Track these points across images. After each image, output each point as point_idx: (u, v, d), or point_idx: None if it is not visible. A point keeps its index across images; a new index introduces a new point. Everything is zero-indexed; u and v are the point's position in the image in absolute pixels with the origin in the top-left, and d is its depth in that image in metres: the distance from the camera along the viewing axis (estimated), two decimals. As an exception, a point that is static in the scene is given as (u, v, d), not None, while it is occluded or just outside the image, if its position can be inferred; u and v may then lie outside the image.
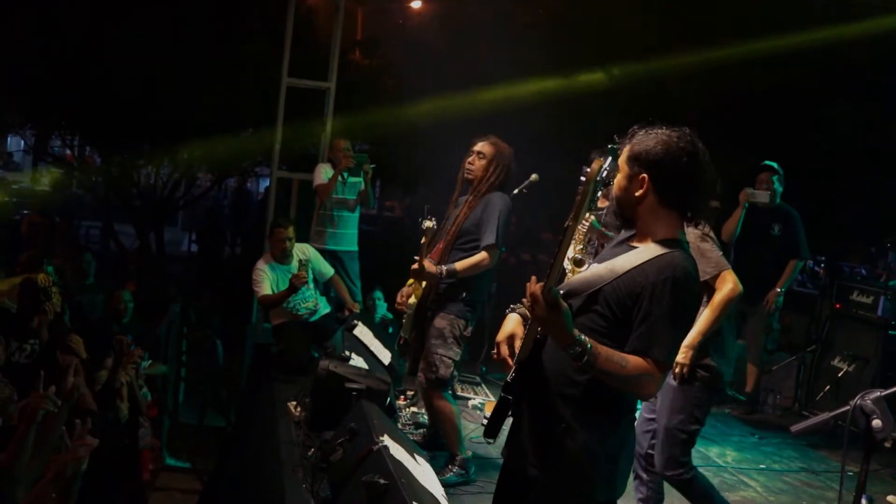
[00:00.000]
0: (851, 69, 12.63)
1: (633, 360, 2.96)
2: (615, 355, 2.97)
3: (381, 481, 3.68)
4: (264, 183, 20.46)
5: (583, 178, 2.83)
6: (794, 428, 2.91)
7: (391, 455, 3.97)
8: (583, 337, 2.93)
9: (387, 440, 4.11)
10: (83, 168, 17.02)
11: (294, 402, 5.98)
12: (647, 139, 3.17)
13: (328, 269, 7.95)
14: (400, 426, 5.99)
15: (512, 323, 3.39)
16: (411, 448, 4.55)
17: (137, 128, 13.39)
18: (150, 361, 8.08)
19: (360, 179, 8.69)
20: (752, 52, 10.85)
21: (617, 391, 3.07)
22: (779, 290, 7.78)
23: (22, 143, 22.85)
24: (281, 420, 5.92)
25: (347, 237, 8.84)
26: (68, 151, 17.79)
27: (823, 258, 14.09)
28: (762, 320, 7.95)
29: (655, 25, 12.41)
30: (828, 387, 7.88)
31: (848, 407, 2.66)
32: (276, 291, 7.51)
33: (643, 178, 3.13)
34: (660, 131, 3.19)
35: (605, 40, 12.45)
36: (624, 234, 3.28)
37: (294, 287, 7.35)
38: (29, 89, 12.94)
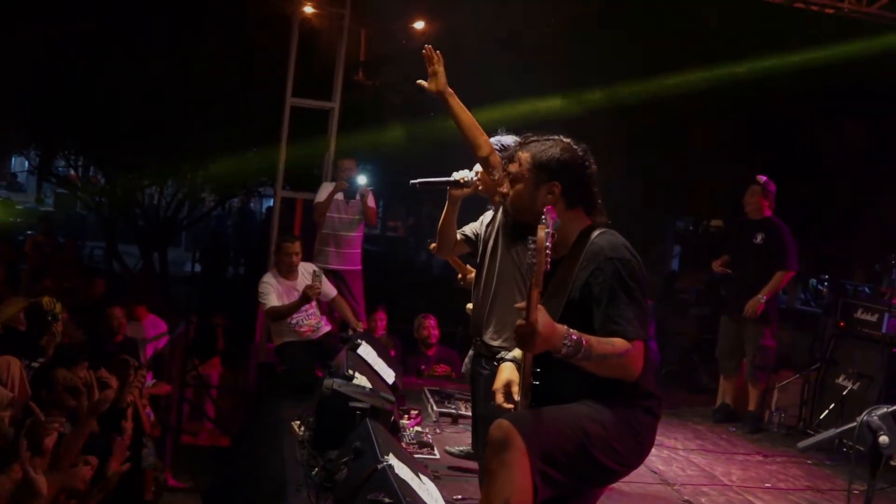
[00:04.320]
0: (855, 87, 12.66)
1: (616, 339, 3.07)
2: (601, 339, 3.06)
3: (386, 500, 3.67)
4: (268, 203, 20.51)
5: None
6: (802, 444, 2.90)
7: (396, 474, 3.96)
8: (568, 332, 2.98)
9: (391, 459, 4.09)
10: (87, 188, 17.09)
11: (298, 422, 5.97)
12: (549, 147, 3.34)
13: (330, 289, 7.96)
14: (404, 445, 5.97)
15: (507, 371, 3.48)
16: (416, 467, 4.53)
17: (142, 148, 13.43)
18: (154, 381, 8.08)
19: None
20: (756, 70, 10.88)
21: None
22: (760, 297, 7.79)
23: (26, 163, 22.99)
24: (285, 439, 5.91)
25: (350, 256, 8.86)
26: (72, 172, 17.87)
27: (827, 277, 14.11)
28: (752, 338, 7.96)
29: (657, 45, 12.46)
30: (832, 405, 7.85)
31: (854, 423, 2.64)
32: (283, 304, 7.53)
33: (554, 185, 3.29)
34: (553, 139, 3.37)
35: (607, 60, 12.49)
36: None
37: (307, 297, 7.37)
38: (33, 110, 13.00)
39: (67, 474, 5.24)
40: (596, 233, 3.29)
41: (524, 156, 3.35)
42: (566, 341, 2.97)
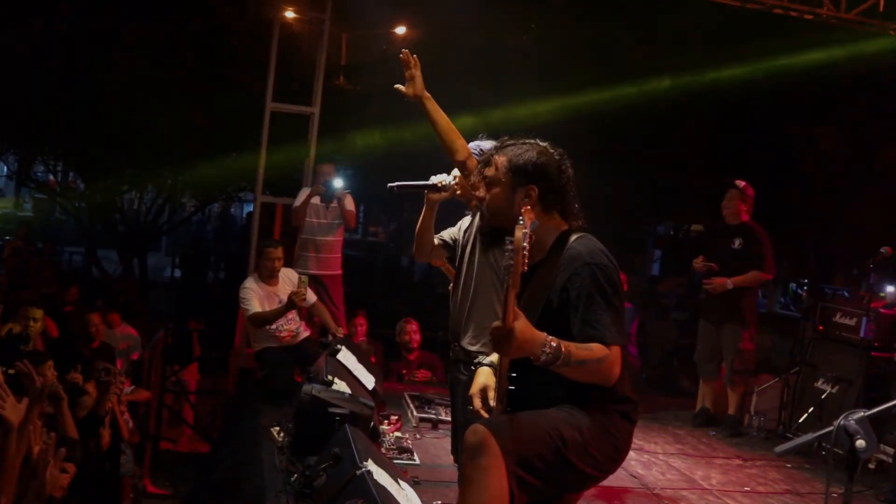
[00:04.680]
0: (834, 93, 12.74)
1: (594, 344, 3.08)
2: (579, 345, 3.07)
3: (365, 506, 3.67)
4: (248, 208, 20.47)
5: (509, 248, 2.86)
6: (779, 448, 2.90)
7: (374, 480, 3.96)
8: (547, 339, 2.98)
9: (370, 465, 4.09)
10: (66, 193, 17.00)
11: (277, 428, 5.95)
12: (526, 151, 3.35)
13: (310, 295, 7.93)
14: (384, 451, 5.95)
15: (484, 376, 3.49)
16: (395, 473, 4.53)
17: (121, 153, 13.37)
18: (132, 387, 8.03)
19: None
20: (736, 76, 10.93)
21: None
22: (728, 282, 7.81)
23: (5, 168, 22.81)
24: (264, 445, 5.88)
25: (331, 261, 8.84)
26: (51, 177, 17.77)
27: (807, 281, 14.18)
28: (730, 341, 7.98)
29: (641, 49, 12.50)
30: (811, 409, 7.87)
31: (832, 427, 2.65)
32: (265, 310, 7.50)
33: (531, 189, 3.29)
34: (530, 142, 3.38)
35: (590, 65, 12.52)
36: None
37: (292, 304, 7.35)
38: (12, 115, 12.92)
39: (44, 481, 5.20)
40: (573, 237, 3.29)
41: (500, 159, 3.35)
42: (545, 349, 2.97)
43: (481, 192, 3.39)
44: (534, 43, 12.81)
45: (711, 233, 8.12)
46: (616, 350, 3.11)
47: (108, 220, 16.28)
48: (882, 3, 9.84)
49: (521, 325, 2.93)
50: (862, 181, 13.20)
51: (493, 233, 3.31)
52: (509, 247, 2.86)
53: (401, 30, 13.52)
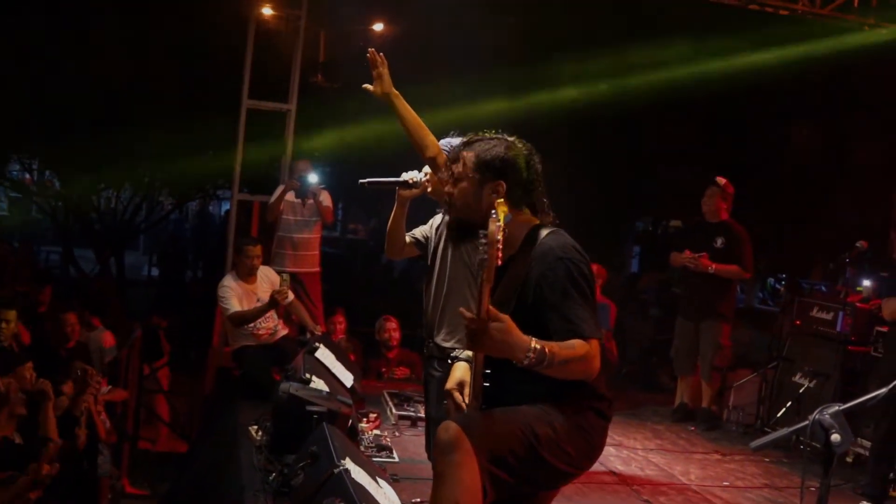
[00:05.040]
0: (811, 88, 12.80)
1: (575, 341, 3.06)
2: (561, 343, 3.05)
3: (342, 505, 3.65)
4: (226, 206, 20.40)
5: (483, 241, 2.85)
6: (754, 444, 2.90)
7: (352, 478, 3.94)
8: (531, 343, 2.97)
9: (348, 463, 4.07)
10: (42, 192, 16.87)
11: (255, 426, 5.93)
12: (494, 146, 3.33)
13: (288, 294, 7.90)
14: (363, 449, 5.94)
15: (460, 370, 3.48)
16: (373, 471, 4.51)
17: (97, 151, 13.28)
18: (109, 387, 7.97)
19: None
20: (712, 71, 10.95)
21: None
22: (711, 267, 7.82)
23: (-20, 167, 22.57)
24: (242, 444, 5.85)
25: (308, 259, 8.82)
26: (27, 175, 17.62)
27: (784, 276, 14.24)
28: (710, 337, 8.01)
29: (616, 46, 12.51)
30: (789, 403, 7.91)
31: (807, 422, 2.65)
32: (244, 308, 7.47)
33: (499, 184, 3.28)
34: (497, 137, 3.37)
35: (568, 60, 12.53)
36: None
37: (274, 302, 7.33)
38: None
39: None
40: (544, 232, 3.28)
41: (468, 155, 3.33)
42: (529, 353, 2.95)
43: (449, 188, 3.36)
44: (511, 39, 12.80)
45: (692, 230, 8.12)
46: (595, 344, 3.10)
47: (84, 219, 16.17)
48: (857, -1, 9.91)
49: (505, 327, 2.93)
50: (837, 176, 13.28)
51: (462, 228, 3.29)
52: (483, 240, 2.85)
53: (378, 26, 13.49)
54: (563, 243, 3.23)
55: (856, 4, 9.89)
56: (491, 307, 2.92)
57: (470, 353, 3.45)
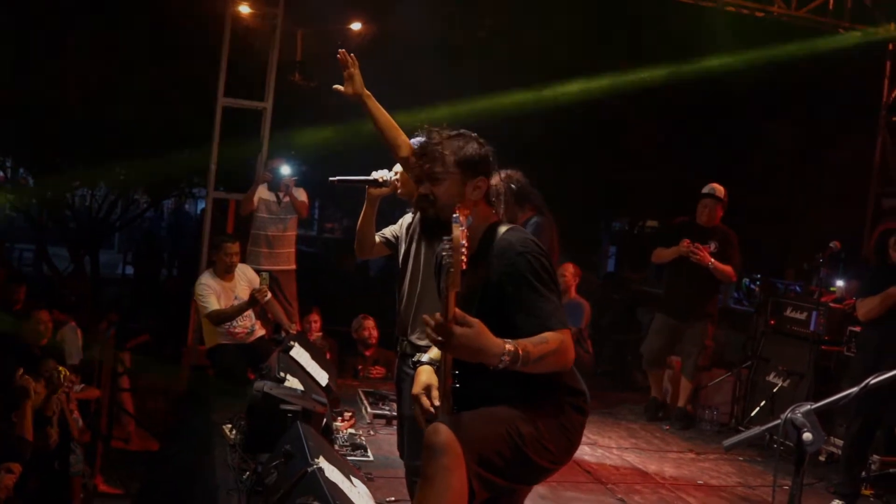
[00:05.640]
0: (786, 90, 12.87)
1: (547, 334, 3.06)
2: (534, 340, 3.03)
3: (315, 503, 3.64)
4: (202, 204, 20.30)
5: (447, 247, 2.85)
6: (727, 442, 2.91)
7: (326, 477, 3.92)
8: (504, 346, 2.95)
9: (322, 462, 4.06)
10: (16, 190, 16.71)
11: (230, 425, 5.90)
12: (467, 143, 3.32)
13: None
14: (337, 448, 5.92)
15: (426, 374, 3.46)
16: (347, 470, 4.50)
17: (72, 149, 13.19)
18: (82, 386, 7.91)
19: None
20: (688, 72, 10.99)
21: (560, 377, 3.23)
22: (711, 261, 7.83)
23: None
24: (216, 443, 5.83)
25: (284, 256, 8.79)
26: (0, 173, 17.47)
27: (759, 276, 14.31)
28: (696, 336, 8.04)
29: (592, 46, 12.55)
30: (763, 402, 7.95)
31: (779, 421, 2.66)
32: (222, 307, 7.44)
33: (480, 180, 3.29)
34: (465, 133, 3.36)
35: (542, 61, 12.55)
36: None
37: (255, 300, 7.32)
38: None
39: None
40: (502, 229, 3.27)
41: (445, 153, 3.29)
42: (503, 356, 2.94)
43: (426, 188, 3.32)
44: (488, 38, 12.82)
45: (681, 230, 8.04)
46: (567, 334, 3.10)
47: (58, 217, 16.05)
48: (831, 1, 9.99)
49: (474, 332, 2.91)
50: (812, 176, 13.37)
51: (440, 225, 3.25)
52: (447, 246, 2.84)
53: (356, 26, 13.46)
54: (522, 238, 3.23)
55: (830, 7, 9.98)
56: (458, 311, 2.91)
57: (433, 354, 3.46)
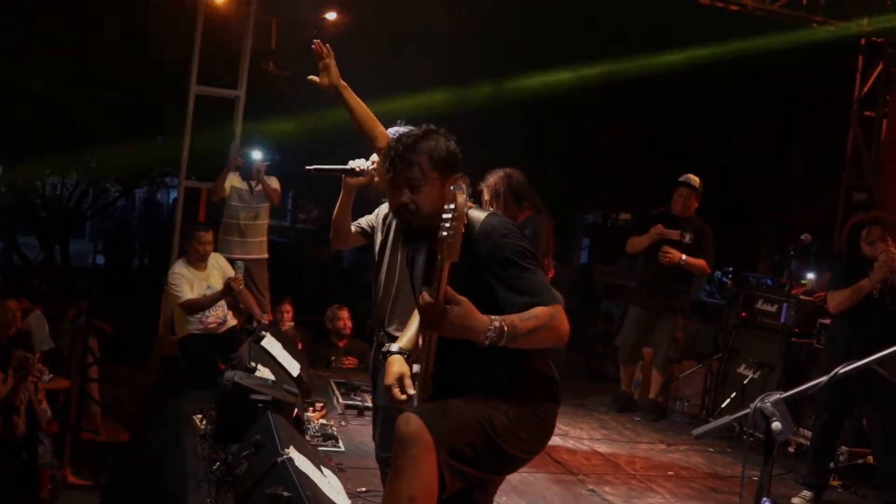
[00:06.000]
0: (759, 84, 12.92)
1: (535, 310, 3.03)
2: (521, 315, 3.01)
3: (285, 493, 3.62)
4: (175, 194, 20.18)
5: (449, 216, 2.83)
6: (696, 431, 2.91)
7: (296, 467, 3.90)
8: (490, 321, 2.94)
9: (292, 452, 4.03)
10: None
11: (200, 415, 5.86)
12: (437, 141, 3.26)
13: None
14: (308, 438, 5.90)
15: (397, 364, 3.45)
16: (318, 460, 4.48)
17: (42, 136, 13.05)
18: (50, 376, 7.83)
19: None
20: (659, 65, 11.02)
21: (534, 364, 3.23)
22: (683, 258, 7.86)
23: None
24: (186, 433, 5.79)
25: (255, 245, 8.76)
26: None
27: (731, 269, 14.39)
28: (666, 329, 8.07)
29: (564, 37, 12.55)
30: (734, 394, 8.00)
31: (748, 410, 2.66)
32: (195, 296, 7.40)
33: (458, 176, 3.25)
34: (430, 129, 3.30)
35: (520, 51, 12.55)
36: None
37: (230, 289, 7.28)
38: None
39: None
40: (480, 214, 3.23)
41: (420, 158, 3.20)
42: (490, 332, 2.92)
43: (406, 197, 3.21)
44: (463, 30, 12.79)
45: (656, 221, 8.07)
46: (559, 308, 3.08)
47: (28, 206, 15.90)
48: (805, -4, 10.04)
49: (464, 310, 2.90)
50: (784, 170, 13.45)
51: (426, 232, 3.20)
52: (448, 215, 2.82)
53: (332, 15, 13.39)
54: (503, 221, 3.22)
55: (804, 2, 10.02)
56: (450, 289, 2.90)
57: (403, 344, 3.45)
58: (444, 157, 3.23)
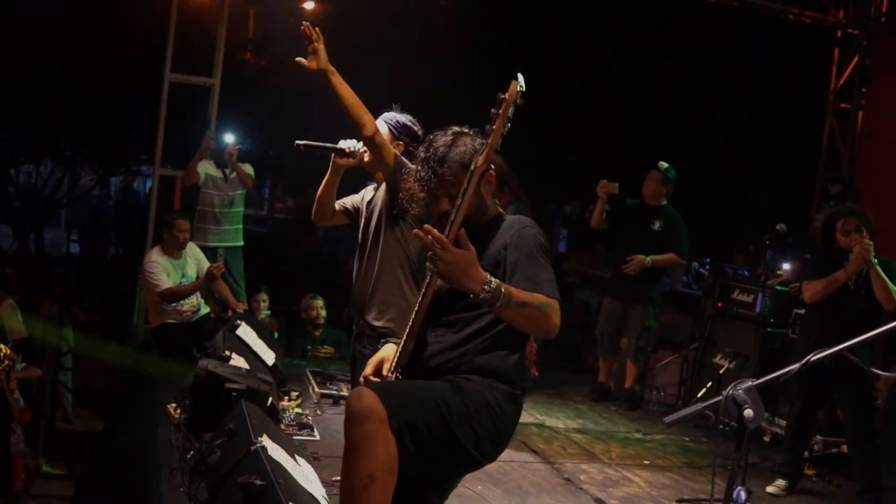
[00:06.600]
0: (732, 74, 12.96)
1: (536, 294, 3.08)
2: (521, 289, 3.06)
3: (258, 482, 3.59)
4: (151, 183, 20.06)
5: (503, 98, 2.90)
6: (668, 418, 2.91)
7: (269, 456, 3.87)
8: (489, 278, 2.98)
9: (265, 441, 4.00)
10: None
11: (174, 404, 5.83)
12: (462, 144, 3.31)
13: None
14: (283, 427, 5.87)
15: (385, 350, 3.50)
16: (292, 449, 4.45)
17: (16, 124, 12.94)
18: (23, 364, 7.77)
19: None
20: (635, 52, 11.04)
21: (507, 362, 3.26)
22: (648, 260, 7.92)
23: None
24: (161, 422, 5.76)
25: (231, 233, 8.72)
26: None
27: (708, 260, 14.44)
28: (636, 318, 8.11)
29: (539, 25, 12.55)
30: (710, 383, 8.03)
31: (721, 397, 2.66)
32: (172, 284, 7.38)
33: (490, 174, 3.31)
34: (457, 135, 3.36)
35: (499, 40, 12.53)
36: None
37: (212, 276, 7.26)
38: None
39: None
40: (508, 216, 3.40)
41: (453, 166, 3.27)
42: (486, 286, 2.96)
43: (445, 205, 3.27)
44: (440, 20, 12.74)
45: (630, 209, 8.17)
46: (556, 303, 3.12)
47: (2, 193, 15.77)
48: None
49: (471, 256, 2.96)
50: (759, 159, 13.50)
51: (469, 230, 3.23)
52: (503, 96, 3.02)
53: (310, 5, 13.32)
54: (528, 218, 3.37)
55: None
56: (462, 232, 2.99)
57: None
58: (466, 159, 3.28)
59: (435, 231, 2.95)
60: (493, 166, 3.31)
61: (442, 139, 3.33)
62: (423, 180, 3.32)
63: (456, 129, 3.38)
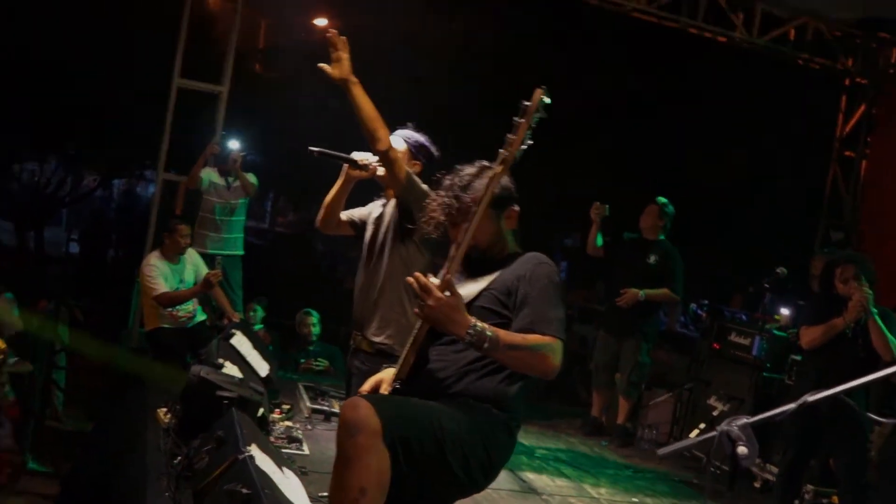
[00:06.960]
0: (734, 114, 13.01)
1: (530, 336, 3.08)
2: (512, 333, 3.08)
3: (244, 490, 3.56)
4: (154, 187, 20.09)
5: (526, 105, 2.92)
6: (661, 451, 2.89)
7: (256, 465, 3.85)
8: (477, 322, 2.99)
9: (254, 450, 3.98)
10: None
11: (164, 409, 5.79)
12: (488, 176, 3.30)
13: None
14: (273, 439, 5.83)
15: (384, 372, 3.48)
16: (280, 461, 4.42)
17: (20, 122, 12.95)
18: (15, 359, 7.73)
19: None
20: (639, 89, 11.06)
21: (507, 391, 3.23)
22: (641, 294, 7.90)
23: None
24: (150, 426, 5.72)
25: (230, 241, 8.72)
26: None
27: (707, 302, 14.42)
28: (628, 353, 8.08)
29: (542, 56, 12.59)
30: (703, 425, 7.99)
31: (715, 433, 2.65)
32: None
33: (511, 210, 3.43)
34: (482, 164, 3.43)
35: (500, 66, 12.58)
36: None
37: (209, 283, 7.24)
38: None
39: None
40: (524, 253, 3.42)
41: (476, 196, 3.29)
42: (470, 331, 2.96)
43: (460, 235, 3.29)
44: (451, 41, 12.81)
45: (627, 243, 8.18)
46: (556, 343, 3.11)
47: (5, 191, 15.80)
48: (792, 32, 10.12)
49: (456, 302, 2.99)
50: (760, 202, 13.52)
51: (483, 263, 3.35)
52: (526, 104, 3.04)
53: (321, 21, 13.39)
54: (544, 255, 3.37)
55: (791, 38, 10.10)
56: (449, 278, 2.99)
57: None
58: (499, 192, 3.31)
59: (422, 278, 2.98)
60: (517, 207, 3.41)
61: (468, 169, 3.40)
62: (445, 206, 3.36)
63: (484, 162, 3.42)
